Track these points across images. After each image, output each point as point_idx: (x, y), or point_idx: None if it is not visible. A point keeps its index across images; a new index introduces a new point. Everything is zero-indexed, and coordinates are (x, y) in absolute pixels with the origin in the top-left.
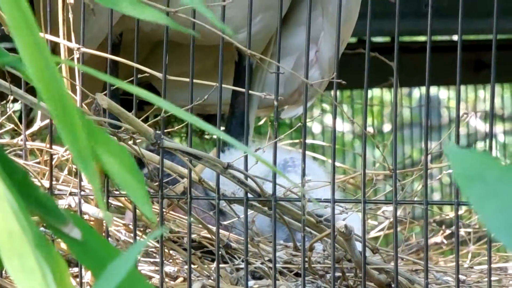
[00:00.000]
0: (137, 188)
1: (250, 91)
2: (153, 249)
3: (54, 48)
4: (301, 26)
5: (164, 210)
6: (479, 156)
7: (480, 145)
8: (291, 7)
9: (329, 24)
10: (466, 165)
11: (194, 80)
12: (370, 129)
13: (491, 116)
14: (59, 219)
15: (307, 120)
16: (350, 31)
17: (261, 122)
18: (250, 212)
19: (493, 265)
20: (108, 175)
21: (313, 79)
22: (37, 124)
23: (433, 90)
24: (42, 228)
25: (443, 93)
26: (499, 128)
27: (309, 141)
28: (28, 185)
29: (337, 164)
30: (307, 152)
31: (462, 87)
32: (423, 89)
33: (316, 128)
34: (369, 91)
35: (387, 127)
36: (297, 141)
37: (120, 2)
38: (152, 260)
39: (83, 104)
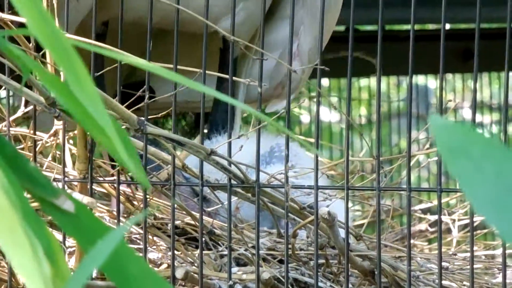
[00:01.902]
0: (128, 153)
1: (234, 78)
2: (137, 235)
3: None
4: (285, 20)
5: (148, 196)
6: (465, 130)
7: None
8: (274, 1)
9: (308, 16)
10: (451, 139)
11: (178, 67)
12: (358, 119)
13: (473, 105)
14: (50, 192)
15: (293, 107)
16: (334, 20)
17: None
18: (234, 199)
19: (477, 253)
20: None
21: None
22: (21, 110)
23: (422, 79)
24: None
25: (432, 83)
26: (487, 118)
27: (298, 136)
28: (18, 159)
29: (320, 158)
30: (297, 137)
31: (451, 77)
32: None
33: (304, 118)
34: (358, 81)
35: (375, 117)
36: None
37: None
38: (136, 246)
39: None
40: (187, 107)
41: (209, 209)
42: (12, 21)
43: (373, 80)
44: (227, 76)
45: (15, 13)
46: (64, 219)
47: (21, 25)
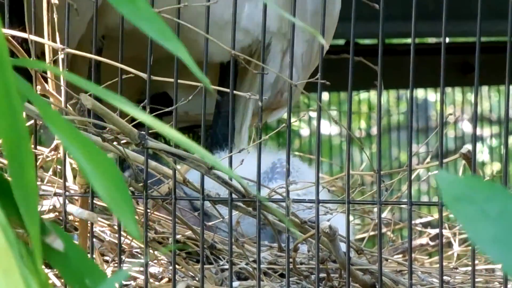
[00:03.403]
0: (123, 204)
1: (235, 92)
2: (137, 250)
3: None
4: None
5: (148, 210)
6: (468, 180)
7: (468, 147)
8: None
9: (299, 19)
10: (454, 189)
11: (179, 81)
12: (357, 132)
13: (475, 119)
14: (42, 229)
15: (292, 121)
16: (329, 27)
17: None
18: (235, 213)
19: (478, 267)
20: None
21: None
22: None
23: (422, 93)
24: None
25: (432, 96)
26: (487, 131)
27: (298, 153)
28: (11, 195)
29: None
30: (296, 153)
31: (450, 90)
32: None
33: (304, 131)
34: (358, 95)
35: (375, 130)
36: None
37: None
38: (137, 260)
39: (67, 105)
40: (187, 120)
41: (209, 223)
42: (13, 37)
43: (373, 93)
44: (228, 90)
45: (14, 28)
46: (54, 255)
47: (23, 40)
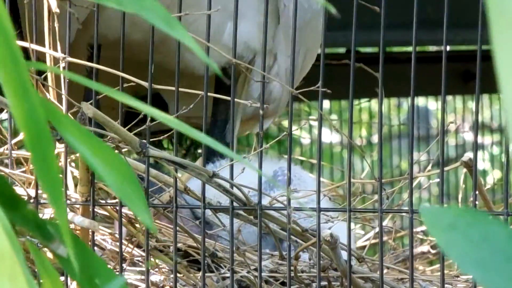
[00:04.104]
0: (136, 197)
1: (236, 99)
2: (139, 258)
3: (40, 57)
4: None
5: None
6: (451, 209)
7: (469, 155)
8: None
9: (283, 35)
10: (438, 219)
11: (180, 89)
12: (358, 140)
13: (476, 127)
14: (46, 235)
15: (293, 129)
16: (313, 41)
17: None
18: (236, 221)
19: None
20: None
21: (275, 91)
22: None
23: (423, 101)
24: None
25: (433, 105)
26: (488, 139)
27: (299, 157)
28: (15, 201)
29: (322, 179)
30: (298, 158)
31: (451, 98)
32: None
33: (305, 140)
34: (358, 103)
35: (376, 138)
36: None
37: None
38: (138, 269)
39: (68, 113)
40: (187, 123)
41: (211, 231)
42: None
43: (373, 102)
44: (228, 98)
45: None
46: (64, 258)
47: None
